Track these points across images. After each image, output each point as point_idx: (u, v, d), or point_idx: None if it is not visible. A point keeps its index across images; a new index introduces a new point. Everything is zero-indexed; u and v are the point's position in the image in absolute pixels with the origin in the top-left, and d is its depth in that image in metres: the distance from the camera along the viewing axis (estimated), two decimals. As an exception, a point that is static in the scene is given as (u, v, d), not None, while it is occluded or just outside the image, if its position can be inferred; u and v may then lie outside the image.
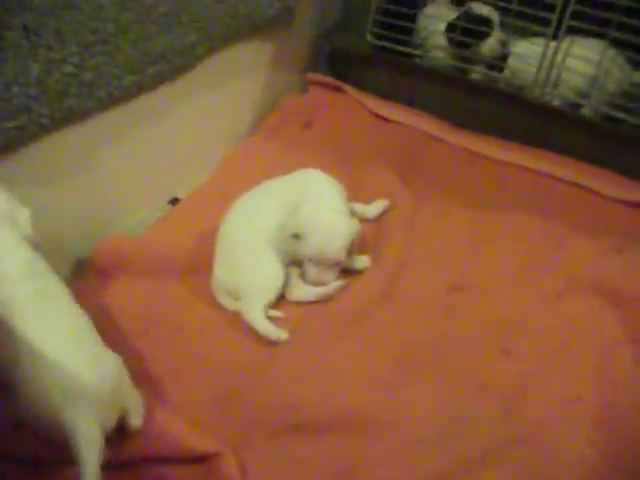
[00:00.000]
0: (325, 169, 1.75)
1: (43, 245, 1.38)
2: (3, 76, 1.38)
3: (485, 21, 2.19)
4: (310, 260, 1.62)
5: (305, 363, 1.49)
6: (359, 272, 1.71)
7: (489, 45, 2.22)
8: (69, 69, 1.51)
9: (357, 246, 1.67)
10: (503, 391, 1.45)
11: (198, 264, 1.71)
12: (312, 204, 1.63)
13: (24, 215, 1.35)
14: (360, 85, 2.39)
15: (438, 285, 1.69)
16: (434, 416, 1.39)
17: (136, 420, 1.29)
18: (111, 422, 1.20)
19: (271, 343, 1.54)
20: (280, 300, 1.64)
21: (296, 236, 1.61)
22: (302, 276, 1.66)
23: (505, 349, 1.53)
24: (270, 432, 1.36)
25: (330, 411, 1.39)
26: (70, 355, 1.17)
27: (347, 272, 1.69)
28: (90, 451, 1.11)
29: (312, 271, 1.62)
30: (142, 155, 1.87)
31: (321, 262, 1.61)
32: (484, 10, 2.22)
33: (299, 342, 1.54)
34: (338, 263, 1.63)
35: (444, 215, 1.92)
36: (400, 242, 1.79)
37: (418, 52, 2.35)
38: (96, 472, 1.09)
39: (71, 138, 1.61)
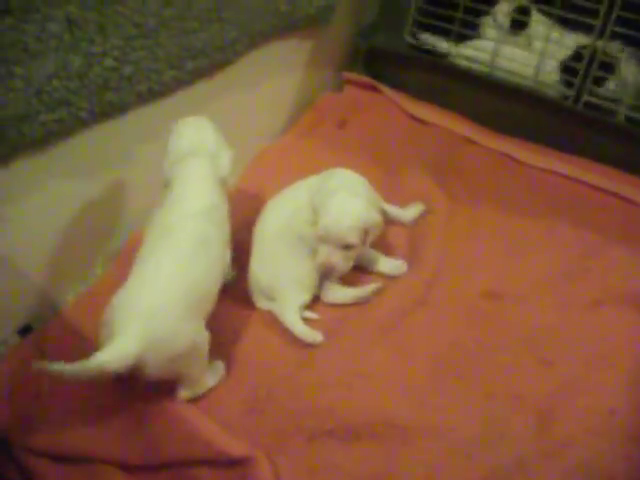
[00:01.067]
0: (359, 170, 1.73)
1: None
2: (44, 69, 1.38)
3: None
4: (321, 239, 1.56)
5: (340, 367, 1.48)
6: (395, 277, 1.70)
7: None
8: (110, 63, 1.51)
9: (373, 238, 1.61)
10: (537, 401, 1.43)
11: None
12: (332, 188, 1.61)
13: (226, 157, 1.54)
14: (396, 85, 2.36)
15: (473, 292, 1.67)
16: (468, 425, 1.37)
17: (184, 393, 1.39)
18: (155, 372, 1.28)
19: (306, 346, 1.53)
20: (315, 302, 1.63)
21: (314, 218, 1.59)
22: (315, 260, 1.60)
23: (540, 359, 1.51)
24: (304, 437, 1.35)
25: (365, 417, 1.38)
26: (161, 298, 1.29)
27: (383, 277, 1.68)
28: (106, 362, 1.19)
29: (321, 250, 1.56)
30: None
31: (330, 241, 1.54)
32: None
33: (334, 346, 1.53)
34: (349, 247, 1.55)
35: (480, 220, 1.89)
36: (436, 247, 1.78)
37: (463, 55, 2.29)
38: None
39: (109, 132, 1.62)
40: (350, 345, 1.54)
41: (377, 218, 1.59)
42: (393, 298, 1.64)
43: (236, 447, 1.30)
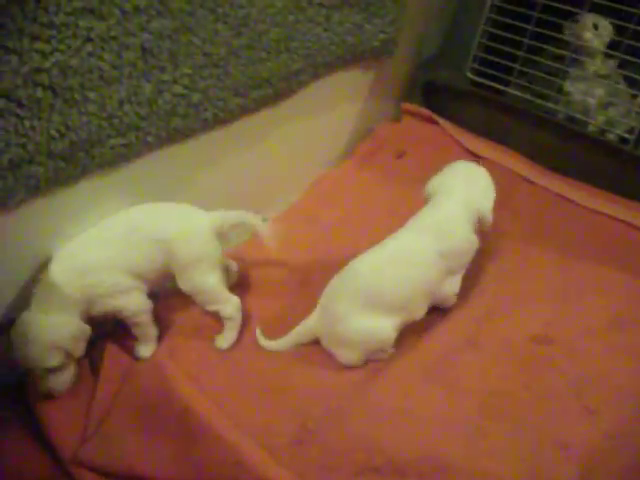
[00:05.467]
0: (414, 202, 1.72)
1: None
2: (117, 94, 1.43)
3: None
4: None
5: (388, 404, 1.47)
6: (445, 310, 1.69)
7: None
8: (179, 90, 1.55)
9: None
10: (583, 452, 1.39)
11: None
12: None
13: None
14: (454, 119, 2.37)
15: (524, 335, 1.64)
16: (513, 472, 1.35)
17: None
18: None
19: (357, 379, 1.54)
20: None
21: None
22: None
23: (588, 408, 1.48)
24: (349, 472, 1.34)
25: (412, 456, 1.36)
26: None
27: (433, 309, 1.67)
28: None
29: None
30: (238, 175, 1.91)
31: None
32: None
33: (382, 382, 1.52)
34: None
35: (531, 260, 1.87)
36: (486, 285, 1.77)
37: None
38: None
39: (174, 156, 1.66)
40: (399, 382, 1.52)
41: (488, 206, 1.64)
42: (443, 334, 1.63)
43: (280, 476, 1.31)
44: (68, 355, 1.48)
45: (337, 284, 1.57)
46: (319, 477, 1.34)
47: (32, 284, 1.48)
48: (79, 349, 1.49)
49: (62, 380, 1.50)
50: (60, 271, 1.47)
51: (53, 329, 1.43)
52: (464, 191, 1.63)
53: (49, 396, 1.50)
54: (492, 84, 2.27)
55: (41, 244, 1.51)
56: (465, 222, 1.60)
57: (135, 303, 1.57)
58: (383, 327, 1.52)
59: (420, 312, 1.60)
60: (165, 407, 1.48)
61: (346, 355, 1.56)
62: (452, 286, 1.65)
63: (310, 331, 1.60)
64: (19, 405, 1.56)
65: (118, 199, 1.59)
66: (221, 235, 1.60)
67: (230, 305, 1.63)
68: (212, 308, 1.63)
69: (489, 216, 1.62)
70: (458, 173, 1.69)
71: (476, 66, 2.29)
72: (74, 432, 1.49)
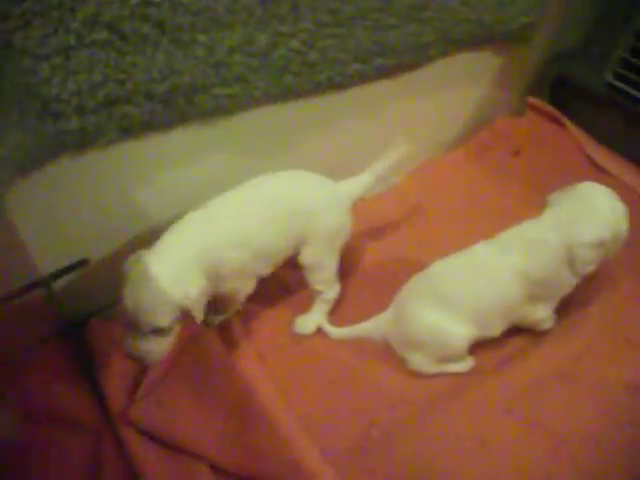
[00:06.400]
0: (523, 208, 1.61)
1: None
2: (229, 41, 1.32)
3: None
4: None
5: (463, 427, 1.38)
6: (540, 333, 1.55)
7: None
8: (296, 45, 1.43)
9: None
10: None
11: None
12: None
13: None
14: (582, 124, 2.15)
15: (618, 380, 1.47)
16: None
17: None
18: None
19: (434, 392, 1.45)
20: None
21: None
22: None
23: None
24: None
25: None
26: None
27: (528, 331, 1.54)
28: None
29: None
30: (342, 145, 1.80)
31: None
32: None
33: (458, 402, 1.42)
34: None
35: None
36: (591, 318, 1.59)
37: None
38: None
39: (279, 115, 1.56)
40: (476, 404, 1.41)
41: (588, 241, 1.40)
42: (534, 364, 1.49)
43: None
44: (178, 319, 1.26)
45: (414, 284, 1.50)
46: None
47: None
48: (199, 314, 1.27)
49: (162, 347, 1.26)
50: (203, 235, 1.31)
51: (181, 285, 1.23)
52: (569, 220, 1.43)
53: (140, 360, 1.27)
54: (634, 92, 2.03)
55: (125, 188, 1.44)
56: (557, 252, 1.42)
57: (251, 287, 1.46)
58: (454, 332, 1.43)
59: (495, 329, 1.48)
60: (226, 382, 1.41)
61: (416, 359, 1.47)
62: (539, 313, 1.51)
63: (378, 329, 1.52)
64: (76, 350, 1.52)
65: (214, 152, 1.50)
66: None
67: (334, 290, 1.56)
68: (320, 287, 1.54)
69: (583, 255, 1.40)
70: (578, 198, 1.47)
71: (618, 69, 2.07)
72: (127, 389, 1.43)
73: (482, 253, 1.47)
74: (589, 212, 1.43)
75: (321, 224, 1.43)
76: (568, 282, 1.46)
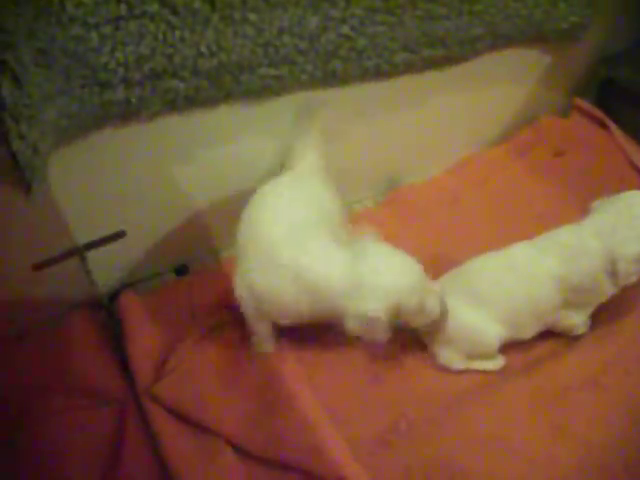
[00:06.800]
0: (563, 210, 1.63)
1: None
2: (279, 22, 1.32)
3: None
4: None
5: (488, 428, 1.35)
6: (573, 338, 1.52)
7: None
8: (346, 31, 1.42)
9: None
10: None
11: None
12: None
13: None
14: (628, 128, 2.11)
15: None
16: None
17: None
18: None
19: (461, 389, 1.42)
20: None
21: None
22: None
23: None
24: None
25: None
26: None
27: (560, 336, 1.52)
28: None
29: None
30: (382, 134, 1.78)
31: None
32: None
33: (486, 401, 1.40)
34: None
35: None
36: (627, 325, 1.54)
37: None
38: None
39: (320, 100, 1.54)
40: (505, 405, 1.39)
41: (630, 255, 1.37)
42: (566, 368, 1.46)
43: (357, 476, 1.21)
44: None
45: (449, 279, 1.48)
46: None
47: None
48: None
49: None
50: None
51: None
52: (612, 229, 1.39)
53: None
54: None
55: (166, 163, 1.45)
56: (597, 261, 1.39)
57: None
58: (487, 330, 1.42)
59: (528, 331, 1.47)
60: (253, 365, 1.41)
61: (447, 354, 1.45)
62: (574, 319, 1.48)
63: None
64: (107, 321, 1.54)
65: (258, 132, 1.51)
66: None
67: None
68: None
69: (626, 268, 1.37)
70: (623, 207, 1.43)
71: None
72: (154, 365, 1.43)
73: (520, 254, 1.45)
74: (633, 223, 1.39)
75: None
76: (606, 291, 1.44)
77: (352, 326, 1.25)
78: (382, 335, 1.26)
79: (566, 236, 1.44)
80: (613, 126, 2.11)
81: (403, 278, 1.25)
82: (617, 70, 2.17)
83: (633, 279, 1.41)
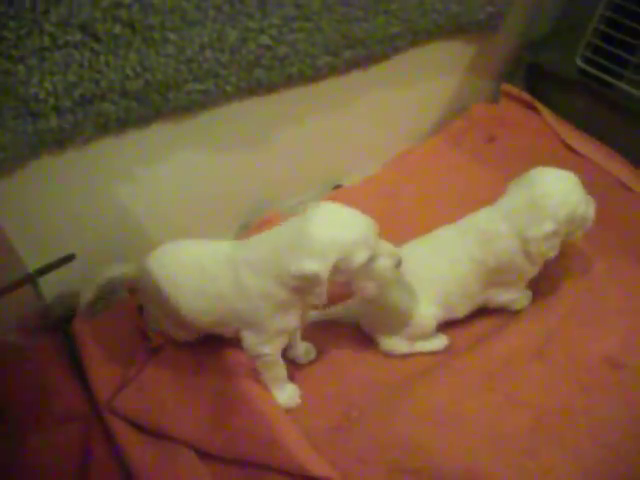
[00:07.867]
0: (495, 191, 1.57)
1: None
2: (199, 38, 1.36)
3: None
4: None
5: (440, 405, 1.39)
6: (515, 312, 1.58)
7: None
8: (265, 40, 1.47)
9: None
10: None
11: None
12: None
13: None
14: (555, 108, 2.20)
15: (594, 355, 1.49)
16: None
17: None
18: None
19: (408, 372, 1.47)
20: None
21: None
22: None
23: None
24: (383, 468, 1.28)
25: (451, 465, 1.28)
26: None
27: (502, 311, 1.58)
28: None
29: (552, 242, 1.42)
30: (317, 137, 1.83)
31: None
32: None
33: (436, 381, 1.44)
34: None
35: (620, 275, 1.68)
36: (565, 295, 1.61)
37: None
38: None
39: (252, 110, 1.59)
40: (456, 384, 1.43)
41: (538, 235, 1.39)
42: (511, 341, 1.51)
43: (317, 466, 1.26)
44: None
45: None
46: (352, 468, 1.28)
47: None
48: None
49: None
50: None
51: None
52: (518, 211, 1.42)
53: None
54: (603, 76, 2.06)
55: (106, 184, 1.48)
56: (509, 243, 1.42)
57: None
58: (421, 311, 1.46)
59: (461, 310, 1.52)
60: (207, 368, 1.45)
61: (388, 339, 1.50)
62: (504, 296, 1.54)
63: (348, 312, 1.55)
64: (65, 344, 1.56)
65: (191, 146, 1.55)
66: None
67: None
68: None
69: (536, 247, 1.41)
70: (528, 185, 1.45)
71: (588, 54, 2.10)
72: (113, 380, 1.47)
73: (444, 237, 1.50)
74: (538, 202, 1.40)
75: None
76: (528, 269, 1.48)
77: (293, 284, 1.19)
78: (321, 296, 1.20)
79: (480, 220, 1.47)
80: (541, 107, 2.19)
81: (346, 232, 1.18)
82: (541, 54, 2.25)
83: (551, 254, 1.44)
